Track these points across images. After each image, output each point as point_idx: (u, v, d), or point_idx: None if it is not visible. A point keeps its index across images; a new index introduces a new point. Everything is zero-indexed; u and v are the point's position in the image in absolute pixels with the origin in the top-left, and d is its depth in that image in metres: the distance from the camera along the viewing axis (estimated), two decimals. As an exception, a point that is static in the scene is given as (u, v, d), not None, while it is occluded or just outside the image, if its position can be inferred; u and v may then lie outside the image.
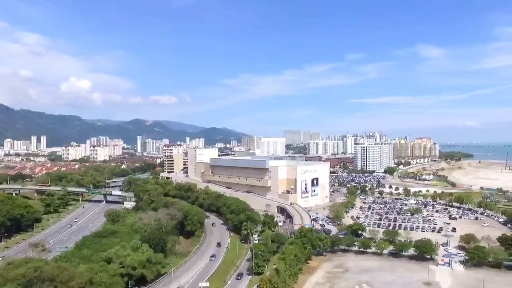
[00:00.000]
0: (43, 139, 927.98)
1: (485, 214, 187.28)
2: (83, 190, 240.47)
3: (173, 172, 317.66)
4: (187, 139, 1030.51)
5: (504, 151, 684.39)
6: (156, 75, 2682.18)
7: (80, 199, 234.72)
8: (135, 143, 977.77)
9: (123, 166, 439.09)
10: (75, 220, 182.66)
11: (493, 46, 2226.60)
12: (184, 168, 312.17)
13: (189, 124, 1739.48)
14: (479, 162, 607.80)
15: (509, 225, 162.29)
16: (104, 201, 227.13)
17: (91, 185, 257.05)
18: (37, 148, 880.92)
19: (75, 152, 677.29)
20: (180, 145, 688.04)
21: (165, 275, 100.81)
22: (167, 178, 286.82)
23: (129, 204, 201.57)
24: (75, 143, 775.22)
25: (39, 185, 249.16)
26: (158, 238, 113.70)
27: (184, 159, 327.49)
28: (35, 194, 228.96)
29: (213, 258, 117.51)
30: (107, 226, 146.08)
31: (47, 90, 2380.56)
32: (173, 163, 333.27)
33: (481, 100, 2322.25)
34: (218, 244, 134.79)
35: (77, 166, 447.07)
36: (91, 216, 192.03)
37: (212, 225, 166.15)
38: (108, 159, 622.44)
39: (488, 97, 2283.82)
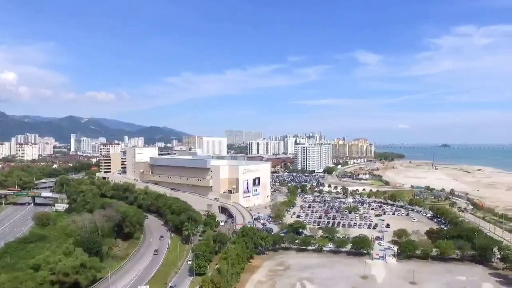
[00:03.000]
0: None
1: (415, 210, 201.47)
2: (7, 192, 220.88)
3: (110, 172, 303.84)
4: (126, 138, 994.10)
5: (432, 152, 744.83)
6: (92, 70, 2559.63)
7: (3, 202, 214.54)
8: (69, 141, 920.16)
9: (55, 166, 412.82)
10: None
11: (422, 55, 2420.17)
12: (122, 168, 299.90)
13: (128, 123, 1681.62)
14: (410, 162, 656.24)
15: (435, 220, 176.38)
16: (32, 204, 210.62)
17: (16, 186, 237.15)
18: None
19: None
20: (118, 144, 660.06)
21: (101, 280, 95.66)
22: (104, 178, 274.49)
23: (61, 206, 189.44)
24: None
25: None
26: (93, 241, 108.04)
27: (122, 158, 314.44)
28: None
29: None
30: (35, 230, 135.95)
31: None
32: (110, 163, 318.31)
33: (412, 104, 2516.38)
34: (160, 238, 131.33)
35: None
36: (17, 221, 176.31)
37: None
38: (37, 158, 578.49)
39: (417, 102, 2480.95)
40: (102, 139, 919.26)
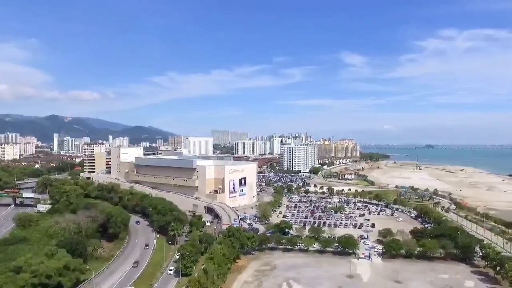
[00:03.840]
0: None
1: (400, 210, 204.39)
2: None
3: (94, 172, 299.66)
4: (110, 137, 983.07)
5: (416, 152, 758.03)
6: (76, 69, 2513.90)
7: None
8: (52, 141, 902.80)
9: (37, 166, 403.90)
10: None
11: (407, 57, 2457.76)
12: (107, 168, 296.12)
13: (113, 122, 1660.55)
14: (395, 162, 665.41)
15: (419, 219, 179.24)
16: (13, 205, 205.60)
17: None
18: None
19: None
20: (103, 143, 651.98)
21: (85, 281, 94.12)
22: (88, 178, 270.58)
23: (43, 207, 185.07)
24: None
25: None
26: (77, 242, 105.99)
27: (107, 158, 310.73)
28: None
29: (135, 265, 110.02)
30: (16, 232, 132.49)
31: None
32: (94, 163, 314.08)
33: (397, 105, 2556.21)
34: (146, 246, 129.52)
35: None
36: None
37: (136, 223, 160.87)
38: (18, 158, 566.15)
39: (402, 103, 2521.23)
40: (86, 139, 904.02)
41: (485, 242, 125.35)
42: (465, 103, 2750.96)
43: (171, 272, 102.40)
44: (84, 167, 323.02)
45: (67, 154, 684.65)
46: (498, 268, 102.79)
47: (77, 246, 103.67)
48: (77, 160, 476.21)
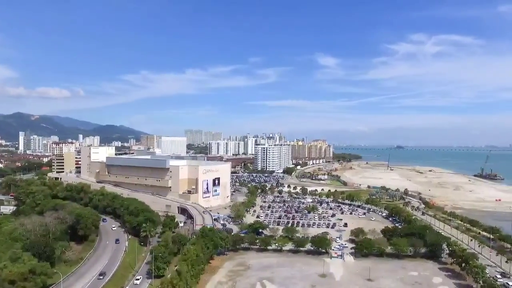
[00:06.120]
0: None
1: (372, 209, 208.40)
2: None
3: (63, 172, 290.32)
4: (80, 136, 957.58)
5: (387, 153, 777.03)
6: (44, 65, 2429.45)
7: None
8: (17, 139, 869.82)
9: (0, 166, 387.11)
10: None
11: (379, 60, 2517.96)
12: (77, 168, 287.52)
13: (83, 121, 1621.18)
14: (367, 163, 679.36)
15: (390, 219, 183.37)
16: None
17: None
18: None
19: None
20: (72, 142, 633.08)
21: (52, 286, 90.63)
22: (56, 178, 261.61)
23: (7, 209, 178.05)
24: None
25: None
26: (44, 245, 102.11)
27: (76, 158, 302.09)
28: None
29: (101, 277, 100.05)
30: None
31: None
32: (63, 163, 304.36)
33: (369, 107, 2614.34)
34: (116, 240, 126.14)
35: None
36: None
37: (103, 220, 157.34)
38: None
39: (374, 104, 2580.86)
40: (55, 138, 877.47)
41: (451, 240, 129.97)
42: (434, 106, 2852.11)
43: (138, 282, 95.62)
44: (52, 167, 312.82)
45: (34, 154, 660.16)
46: (463, 265, 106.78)
47: (44, 249, 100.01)
48: (45, 160, 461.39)
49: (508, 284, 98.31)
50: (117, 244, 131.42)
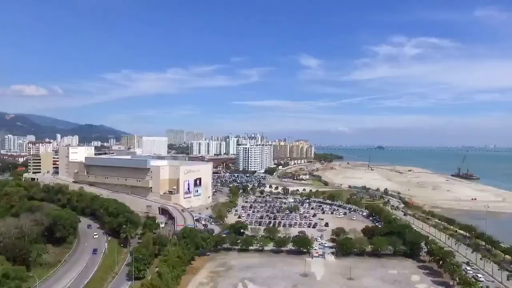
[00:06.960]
0: None
1: (352, 209, 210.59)
2: None
3: (40, 172, 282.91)
4: (58, 136, 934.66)
5: (368, 153, 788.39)
6: (19, 61, 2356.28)
7: None
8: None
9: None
10: None
11: (361, 61, 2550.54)
12: (54, 168, 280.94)
13: (61, 120, 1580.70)
14: (348, 163, 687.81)
15: (371, 218, 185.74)
16: None
17: None
18: None
19: None
20: (50, 142, 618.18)
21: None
22: (33, 179, 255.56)
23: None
24: None
25: None
26: (18, 248, 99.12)
27: (54, 158, 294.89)
28: None
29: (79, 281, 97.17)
30: None
31: None
32: (40, 163, 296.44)
33: (350, 108, 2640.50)
34: (94, 251, 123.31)
35: None
36: None
37: (88, 227, 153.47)
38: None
39: (356, 105, 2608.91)
40: (31, 137, 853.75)
41: (430, 239, 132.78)
42: (413, 107, 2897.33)
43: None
44: (29, 168, 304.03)
45: (9, 154, 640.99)
46: (441, 262, 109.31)
47: (19, 252, 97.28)
48: (21, 160, 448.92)
49: (478, 276, 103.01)
50: (95, 247, 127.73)
